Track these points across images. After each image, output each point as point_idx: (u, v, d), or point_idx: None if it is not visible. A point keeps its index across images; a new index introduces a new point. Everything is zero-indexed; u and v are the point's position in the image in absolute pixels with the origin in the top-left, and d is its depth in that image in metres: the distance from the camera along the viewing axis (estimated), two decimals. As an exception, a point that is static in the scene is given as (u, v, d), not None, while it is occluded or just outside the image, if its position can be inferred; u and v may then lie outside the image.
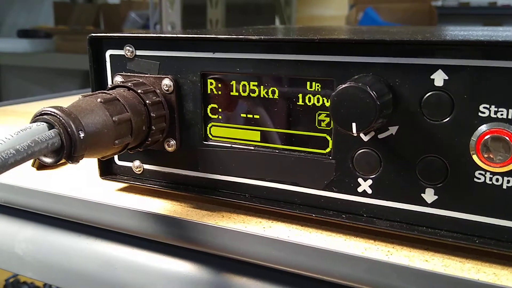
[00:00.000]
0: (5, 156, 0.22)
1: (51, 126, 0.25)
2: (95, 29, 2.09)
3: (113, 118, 0.28)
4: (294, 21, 1.99)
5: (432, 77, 0.25)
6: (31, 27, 2.28)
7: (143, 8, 2.12)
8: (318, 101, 0.29)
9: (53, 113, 0.26)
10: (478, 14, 3.03)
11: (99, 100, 0.28)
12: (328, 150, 0.29)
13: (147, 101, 0.31)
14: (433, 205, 0.27)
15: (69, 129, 0.25)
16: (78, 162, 0.27)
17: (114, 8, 2.31)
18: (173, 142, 0.33)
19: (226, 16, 1.61)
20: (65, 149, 0.25)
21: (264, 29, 0.43)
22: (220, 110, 0.32)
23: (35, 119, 0.26)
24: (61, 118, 0.25)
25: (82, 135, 0.26)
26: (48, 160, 0.26)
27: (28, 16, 2.49)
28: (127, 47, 0.33)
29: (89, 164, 0.38)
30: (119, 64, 0.34)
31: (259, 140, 0.31)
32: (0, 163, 0.22)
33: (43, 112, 0.26)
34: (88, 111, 0.27)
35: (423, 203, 0.27)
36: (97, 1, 2.48)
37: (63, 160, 0.26)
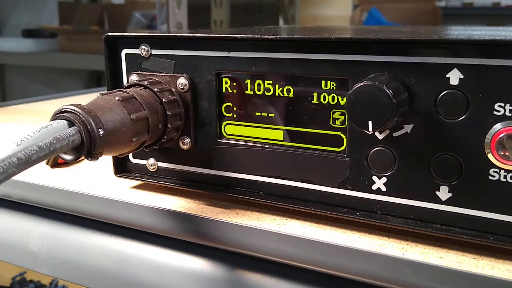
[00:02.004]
0: (29, 152, 0.23)
1: (71, 124, 0.26)
2: (99, 29, 2.09)
3: (131, 116, 0.28)
4: (297, 21, 2.00)
5: (447, 76, 0.26)
6: (36, 26, 2.28)
7: (147, 8, 2.12)
8: (333, 100, 0.29)
9: (73, 111, 0.26)
10: (482, 15, 3.03)
11: (117, 98, 0.28)
12: (342, 148, 0.30)
13: (163, 100, 0.31)
14: (447, 202, 0.27)
15: (89, 127, 0.26)
16: (97, 159, 0.27)
17: (118, 8, 2.31)
18: (188, 140, 0.33)
19: (230, 16, 1.61)
20: (85, 146, 0.26)
21: (276, 28, 0.43)
22: (234, 108, 0.32)
23: (55, 117, 0.26)
24: (81, 116, 0.26)
25: (101, 132, 0.26)
26: (68, 157, 0.26)
27: (33, 16, 2.50)
28: (143, 46, 0.34)
29: (104, 162, 0.39)
30: (135, 63, 0.34)
31: (273, 138, 0.32)
32: (24, 160, 0.22)
33: (63, 109, 0.26)
34: (107, 109, 0.27)
35: (438, 200, 0.27)
36: (101, 1, 2.49)
37: (82, 157, 0.27)
